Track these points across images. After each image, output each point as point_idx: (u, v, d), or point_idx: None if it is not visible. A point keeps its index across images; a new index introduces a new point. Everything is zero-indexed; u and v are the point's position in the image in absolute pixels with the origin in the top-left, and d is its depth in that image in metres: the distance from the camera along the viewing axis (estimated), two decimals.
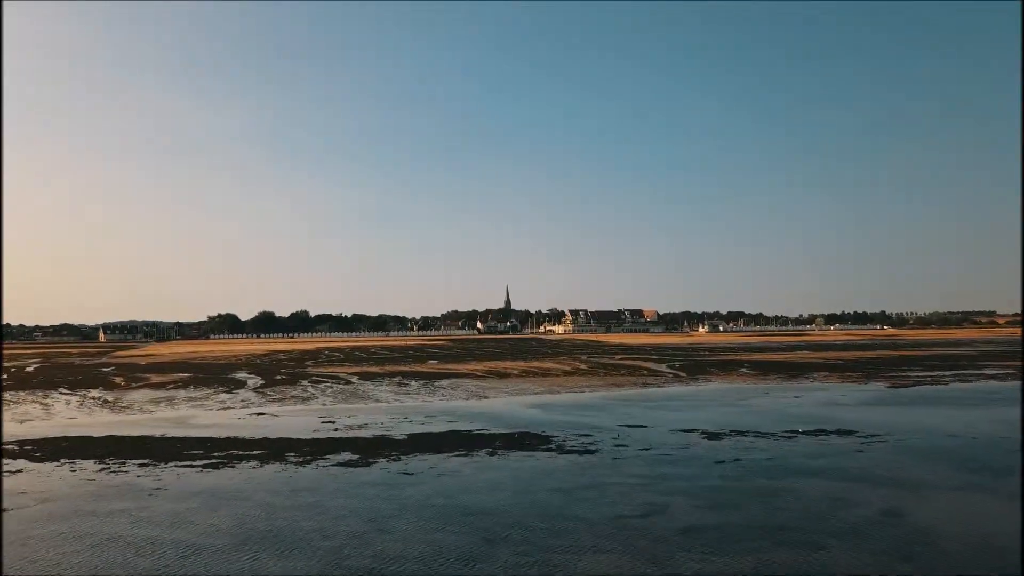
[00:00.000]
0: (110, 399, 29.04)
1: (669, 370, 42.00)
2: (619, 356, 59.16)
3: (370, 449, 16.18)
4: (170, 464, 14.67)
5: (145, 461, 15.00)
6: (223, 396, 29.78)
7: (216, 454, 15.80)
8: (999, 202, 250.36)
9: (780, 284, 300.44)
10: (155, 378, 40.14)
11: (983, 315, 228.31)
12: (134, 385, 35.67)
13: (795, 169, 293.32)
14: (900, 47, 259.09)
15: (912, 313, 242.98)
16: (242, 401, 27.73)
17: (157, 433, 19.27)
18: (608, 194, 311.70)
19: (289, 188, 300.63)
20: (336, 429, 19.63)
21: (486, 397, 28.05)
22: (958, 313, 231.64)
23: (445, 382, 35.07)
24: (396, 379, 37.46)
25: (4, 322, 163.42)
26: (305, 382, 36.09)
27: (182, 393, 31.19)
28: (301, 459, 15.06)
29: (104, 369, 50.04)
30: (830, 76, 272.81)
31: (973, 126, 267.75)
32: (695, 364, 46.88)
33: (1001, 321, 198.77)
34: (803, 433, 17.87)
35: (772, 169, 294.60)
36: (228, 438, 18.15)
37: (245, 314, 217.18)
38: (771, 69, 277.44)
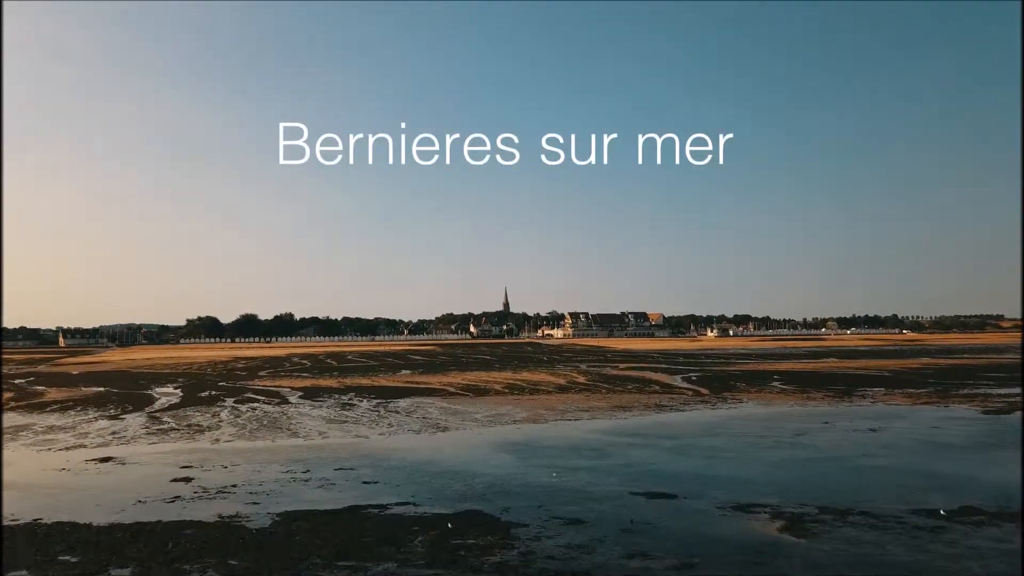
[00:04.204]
0: None
1: (685, 384, 34.45)
2: (623, 366, 51.56)
3: (180, 560, 8.77)
4: None
5: None
6: (98, 424, 22.35)
7: None
8: (1000, 203, 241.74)
9: (784, 286, 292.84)
10: (53, 394, 32.70)
11: (992, 319, 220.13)
12: (10, 405, 28.23)
13: (798, 170, 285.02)
14: (902, 47, 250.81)
15: (922, 317, 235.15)
16: (112, 434, 20.30)
17: None
18: (610, 193, 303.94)
19: (289, 190, 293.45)
20: (177, 497, 12.22)
21: (445, 429, 20.56)
22: (973, 317, 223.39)
23: (403, 402, 27.55)
24: (347, 397, 30.01)
25: None
26: (229, 401, 28.64)
27: (50, 420, 23.72)
28: None
29: (16, 382, 42.60)
30: (834, 76, 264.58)
31: (972, 126, 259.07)
32: (716, 376, 39.22)
33: None
34: (947, 516, 10.44)
35: (775, 169, 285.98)
36: None
37: (232, 317, 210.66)
38: (775, 68, 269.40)
